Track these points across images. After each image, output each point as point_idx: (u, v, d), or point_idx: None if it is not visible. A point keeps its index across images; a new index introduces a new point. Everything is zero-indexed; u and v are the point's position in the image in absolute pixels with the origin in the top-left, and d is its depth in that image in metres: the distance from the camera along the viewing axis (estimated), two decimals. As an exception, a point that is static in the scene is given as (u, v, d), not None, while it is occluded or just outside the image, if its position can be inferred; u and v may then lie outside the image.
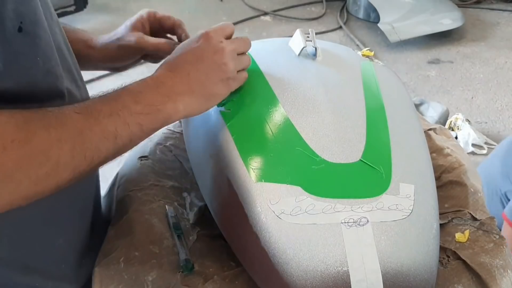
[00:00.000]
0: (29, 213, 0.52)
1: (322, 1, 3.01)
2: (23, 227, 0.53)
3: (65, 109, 0.47)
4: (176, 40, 0.73)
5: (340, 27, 2.74)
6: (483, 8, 2.94)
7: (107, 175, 0.73)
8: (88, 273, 0.59)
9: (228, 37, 0.60)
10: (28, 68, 0.47)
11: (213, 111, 0.63)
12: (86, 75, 0.65)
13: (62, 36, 0.56)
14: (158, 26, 0.73)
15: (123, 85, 0.53)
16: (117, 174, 0.75)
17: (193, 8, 2.95)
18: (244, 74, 0.61)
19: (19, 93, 0.46)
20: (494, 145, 1.81)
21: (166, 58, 0.58)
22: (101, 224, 0.65)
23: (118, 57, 0.72)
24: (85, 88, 0.62)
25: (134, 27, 0.71)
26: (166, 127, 0.83)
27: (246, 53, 0.62)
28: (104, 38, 0.72)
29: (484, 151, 1.79)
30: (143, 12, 0.73)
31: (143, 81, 0.54)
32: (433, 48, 2.53)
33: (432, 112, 1.84)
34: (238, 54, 0.59)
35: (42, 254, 0.56)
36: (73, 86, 0.56)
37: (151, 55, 0.74)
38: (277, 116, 0.61)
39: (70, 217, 0.58)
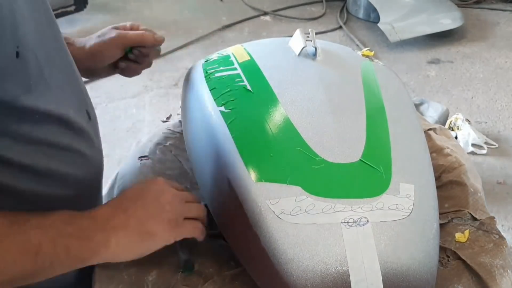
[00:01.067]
0: None
1: (322, 1, 3.01)
2: None
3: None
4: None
5: (340, 27, 2.74)
6: (483, 8, 2.94)
7: (107, 175, 0.73)
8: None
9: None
10: (19, 93, 0.46)
11: (213, 111, 0.63)
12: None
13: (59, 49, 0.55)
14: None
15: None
16: (117, 174, 0.75)
17: (193, 8, 2.95)
18: (195, 224, 0.56)
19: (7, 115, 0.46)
20: (494, 145, 1.81)
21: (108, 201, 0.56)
22: None
23: (97, 53, 0.70)
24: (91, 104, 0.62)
25: (116, 27, 0.71)
26: (166, 127, 0.83)
27: (199, 204, 0.59)
28: (84, 37, 0.71)
29: (484, 151, 1.78)
30: (127, 22, 0.74)
31: (79, 211, 0.51)
32: (433, 48, 2.53)
33: (432, 112, 1.84)
34: (187, 202, 0.56)
35: None
36: (73, 106, 0.55)
37: (128, 67, 0.73)
38: (277, 116, 0.61)
39: None
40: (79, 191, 0.57)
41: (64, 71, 0.56)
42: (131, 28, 0.72)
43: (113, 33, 0.69)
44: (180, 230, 0.54)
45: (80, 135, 0.57)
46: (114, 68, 0.74)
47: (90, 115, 0.60)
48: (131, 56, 0.73)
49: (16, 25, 0.44)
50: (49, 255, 0.46)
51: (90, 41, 0.70)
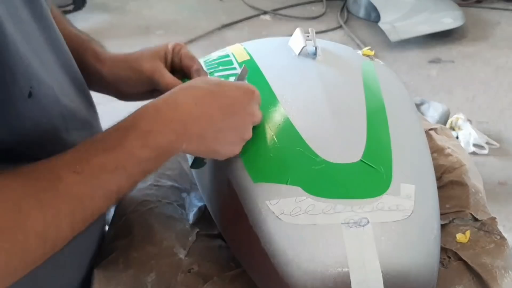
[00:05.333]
0: None
1: (322, 0, 3.01)
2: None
3: (61, 169, 0.41)
4: None
5: (341, 26, 2.74)
6: (484, 8, 2.94)
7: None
8: None
9: None
10: (32, 130, 0.44)
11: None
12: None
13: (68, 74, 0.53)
14: (178, 62, 0.65)
15: (130, 113, 0.47)
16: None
17: (193, 7, 2.94)
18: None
19: (21, 152, 0.43)
20: (495, 145, 1.81)
21: (196, 78, 0.53)
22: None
23: (126, 79, 0.63)
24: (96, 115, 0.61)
25: (154, 54, 0.63)
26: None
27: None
28: (116, 54, 0.64)
29: (485, 151, 1.78)
30: (170, 43, 0.65)
31: (155, 109, 0.47)
32: (434, 47, 2.52)
33: (433, 112, 1.83)
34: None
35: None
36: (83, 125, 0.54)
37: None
38: (277, 116, 0.60)
39: (73, 257, 0.55)
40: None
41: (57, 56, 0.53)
42: (172, 52, 0.64)
43: (146, 66, 0.62)
44: (238, 150, 0.53)
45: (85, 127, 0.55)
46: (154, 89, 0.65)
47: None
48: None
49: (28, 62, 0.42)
50: (127, 188, 0.45)
51: (119, 63, 0.64)
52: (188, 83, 0.53)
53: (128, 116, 0.47)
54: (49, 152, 0.44)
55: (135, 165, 0.44)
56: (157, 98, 0.49)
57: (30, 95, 0.42)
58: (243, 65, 0.59)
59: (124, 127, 0.46)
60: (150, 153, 0.45)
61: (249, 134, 0.53)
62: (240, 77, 0.59)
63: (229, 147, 0.52)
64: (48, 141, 0.47)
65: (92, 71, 0.62)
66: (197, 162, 0.56)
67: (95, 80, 0.63)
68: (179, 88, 0.51)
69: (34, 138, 0.45)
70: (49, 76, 0.46)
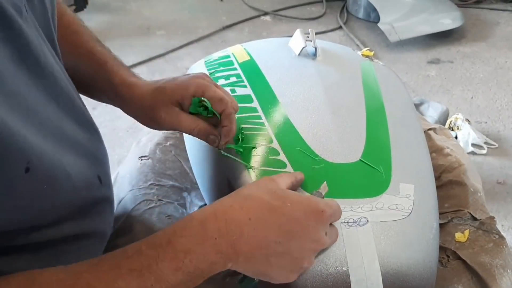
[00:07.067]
0: None
1: (322, 1, 3.01)
2: None
3: None
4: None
5: (340, 27, 2.74)
6: (483, 8, 2.94)
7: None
8: None
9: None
10: (33, 201, 0.39)
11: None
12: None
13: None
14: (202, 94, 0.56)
15: (166, 230, 0.40)
16: (117, 174, 0.75)
17: (193, 7, 2.94)
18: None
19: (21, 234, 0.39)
20: (494, 145, 1.81)
21: (258, 183, 0.44)
22: None
23: (146, 124, 0.59)
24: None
25: (169, 99, 0.54)
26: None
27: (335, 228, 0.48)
28: (133, 92, 0.57)
29: (484, 151, 1.78)
30: (191, 85, 0.54)
31: (200, 222, 0.40)
32: (433, 48, 2.52)
33: (432, 112, 1.83)
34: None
35: None
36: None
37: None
38: (277, 116, 0.61)
39: None
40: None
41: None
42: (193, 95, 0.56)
43: (194, 75, 0.56)
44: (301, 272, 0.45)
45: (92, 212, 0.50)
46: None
47: (101, 179, 0.52)
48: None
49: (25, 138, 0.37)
50: None
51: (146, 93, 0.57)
52: (247, 189, 0.44)
53: (167, 228, 0.41)
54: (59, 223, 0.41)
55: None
56: (204, 208, 0.43)
57: (27, 170, 0.37)
58: (324, 182, 0.50)
59: (158, 243, 0.39)
60: (183, 277, 0.38)
61: (309, 263, 0.44)
62: (317, 193, 0.50)
63: (283, 273, 0.44)
64: (51, 206, 0.42)
65: (124, 103, 0.59)
66: (246, 281, 0.49)
67: (123, 106, 0.60)
68: (235, 194, 0.44)
69: (37, 210, 0.41)
70: (50, 140, 0.42)
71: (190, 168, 0.73)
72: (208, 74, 0.59)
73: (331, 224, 0.47)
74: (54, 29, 0.50)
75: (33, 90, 0.41)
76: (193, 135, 0.55)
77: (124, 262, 0.38)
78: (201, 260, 0.39)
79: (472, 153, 1.78)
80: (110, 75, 0.58)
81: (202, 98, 0.54)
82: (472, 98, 2.15)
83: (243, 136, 0.58)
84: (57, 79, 0.46)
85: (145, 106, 0.56)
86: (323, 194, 0.50)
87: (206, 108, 0.55)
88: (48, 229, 0.43)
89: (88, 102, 0.60)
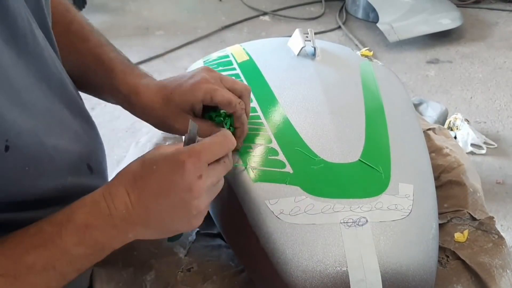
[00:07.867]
0: None
1: (321, 1, 3.01)
2: None
3: None
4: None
5: (339, 27, 2.74)
6: (482, 8, 2.94)
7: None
8: None
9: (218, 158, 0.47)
10: (16, 181, 0.41)
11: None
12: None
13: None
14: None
15: (65, 210, 0.43)
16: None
17: (192, 8, 2.95)
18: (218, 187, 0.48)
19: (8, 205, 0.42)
20: (493, 145, 1.81)
21: (127, 166, 0.46)
22: None
23: (160, 128, 0.60)
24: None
25: (181, 107, 0.55)
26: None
27: (226, 156, 0.48)
28: (145, 99, 0.57)
29: (483, 151, 1.78)
30: (200, 89, 0.55)
31: (93, 203, 0.43)
32: (432, 48, 2.53)
33: (431, 112, 1.84)
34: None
35: None
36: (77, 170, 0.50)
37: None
38: (276, 116, 0.61)
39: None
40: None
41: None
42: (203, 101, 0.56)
43: (199, 77, 0.56)
44: (200, 219, 0.47)
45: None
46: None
47: (92, 168, 0.54)
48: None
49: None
50: (57, 286, 0.43)
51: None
52: (126, 166, 0.47)
53: (65, 209, 0.44)
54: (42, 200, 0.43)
55: (67, 264, 0.42)
56: (96, 190, 0.45)
57: (6, 148, 0.39)
58: (189, 120, 0.49)
59: (58, 221, 0.42)
60: (86, 250, 0.42)
61: (198, 208, 0.45)
62: (188, 139, 0.49)
63: (184, 224, 0.47)
64: (34, 188, 0.45)
65: (132, 108, 0.59)
66: (171, 236, 0.51)
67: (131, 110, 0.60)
68: (117, 176, 0.47)
69: (18, 188, 0.42)
70: (32, 120, 0.43)
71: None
72: (210, 67, 0.59)
73: (214, 162, 0.47)
74: (47, 16, 0.50)
75: (20, 69, 0.42)
76: None
77: (28, 239, 0.41)
78: (100, 234, 0.43)
79: (471, 153, 1.78)
80: (118, 84, 0.58)
81: (216, 114, 0.57)
82: (471, 98, 2.15)
83: None
84: (48, 63, 0.47)
85: (158, 116, 0.57)
86: (191, 133, 0.48)
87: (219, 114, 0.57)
88: (35, 211, 0.45)
89: (87, 103, 0.60)
